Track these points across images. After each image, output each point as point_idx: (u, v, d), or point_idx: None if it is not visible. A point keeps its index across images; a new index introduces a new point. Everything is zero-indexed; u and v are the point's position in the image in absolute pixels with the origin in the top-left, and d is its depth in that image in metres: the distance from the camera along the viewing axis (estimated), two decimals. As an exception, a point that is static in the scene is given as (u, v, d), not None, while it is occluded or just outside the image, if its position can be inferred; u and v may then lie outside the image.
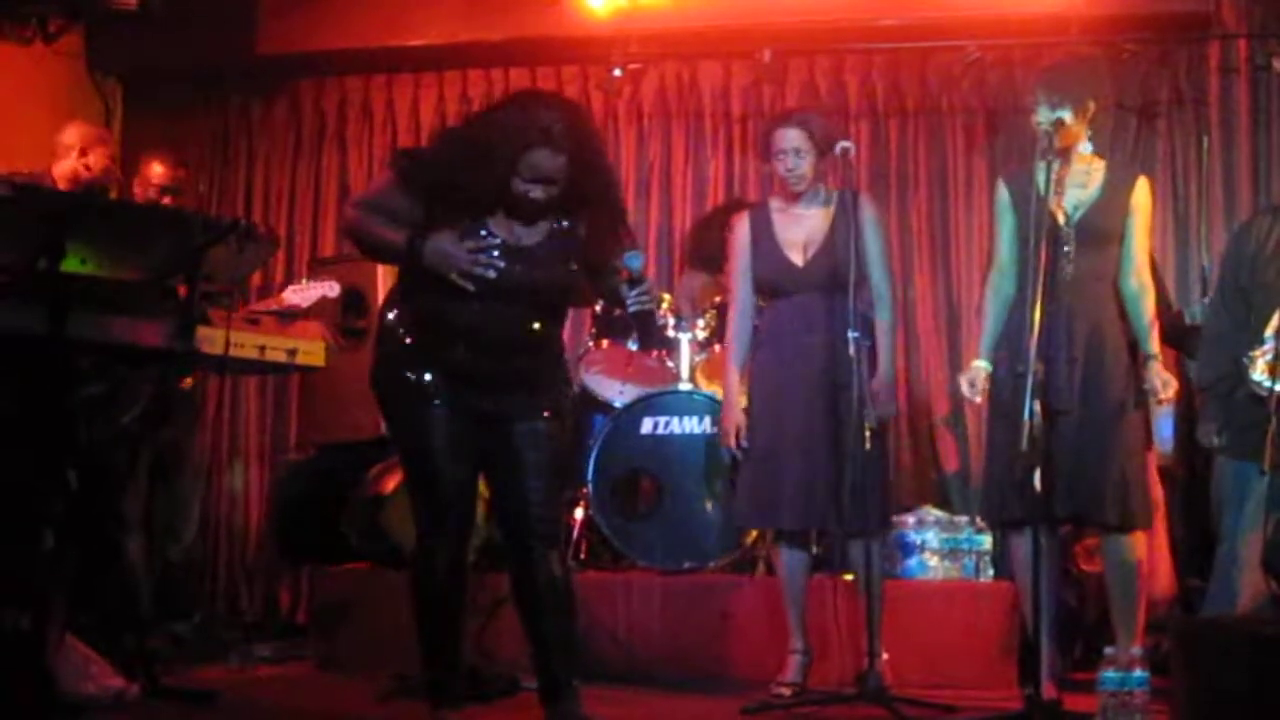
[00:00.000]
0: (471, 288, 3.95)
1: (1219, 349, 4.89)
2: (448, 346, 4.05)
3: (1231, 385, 4.83)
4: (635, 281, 4.09)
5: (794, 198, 5.13)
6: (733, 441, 5.12)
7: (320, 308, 6.50)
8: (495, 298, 4.01)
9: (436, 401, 4.05)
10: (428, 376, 4.05)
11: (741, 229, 5.23)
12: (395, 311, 4.16)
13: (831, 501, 4.84)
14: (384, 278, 6.88)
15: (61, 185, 5.64)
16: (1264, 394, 4.64)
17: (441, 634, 4.19)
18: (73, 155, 5.71)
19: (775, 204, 5.24)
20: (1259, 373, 4.67)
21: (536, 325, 4.12)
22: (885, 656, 4.85)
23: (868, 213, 5.13)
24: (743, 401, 5.18)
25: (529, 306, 4.10)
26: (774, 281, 5.13)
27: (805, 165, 5.05)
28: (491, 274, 3.97)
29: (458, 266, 3.94)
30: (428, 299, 4.06)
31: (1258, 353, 4.68)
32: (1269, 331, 4.70)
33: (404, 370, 4.09)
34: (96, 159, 5.75)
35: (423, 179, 4.06)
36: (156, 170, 6.25)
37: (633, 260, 4.09)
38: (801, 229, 5.11)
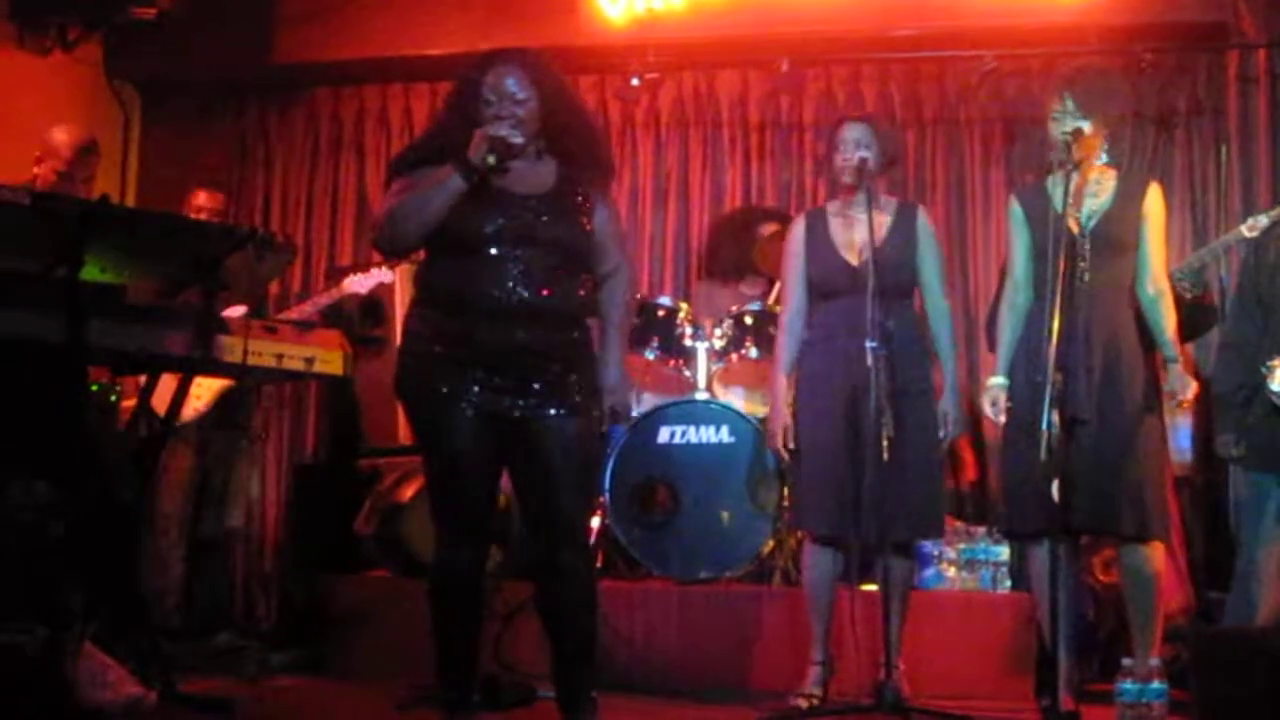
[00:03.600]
0: (520, 139, 3.95)
1: (1237, 358, 4.88)
2: (472, 324, 3.98)
3: (1249, 394, 4.82)
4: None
5: (849, 192, 5.09)
6: (779, 443, 5.09)
7: (340, 312, 6.57)
8: (513, 255, 3.99)
9: (461, 405, 4.00)
10: (452, 378, 4.00)
11: (797, 230, 5.22)
12: (416, 312, 4.14)
13: (891, 511, 4.77)
14: (401, 284, 6.91)
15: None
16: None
17: (458, 642, 4.18)
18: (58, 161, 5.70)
19: (832, 208, 5.23)
20: (1278, 382, 4.66)
21: (557, 291, 4.06)
22: (901, 667, 4.85)
23: (924, 225, 5.15)
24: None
25: (547, 267, 4.05)
26: (827, 282, 5.09)
27: (862, 156, 5.02)
28: (518, 135, 3.97)
29: (495, 130, 3.94)
30: (447, 277, 4.05)
31: (1276, 362, 4.67)
32: None
33: (427, 373, 4.04)
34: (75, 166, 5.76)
35: (413, 158, 4.14)
36: (202, 200, 6.51)
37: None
38: (858, 232, 5.03)
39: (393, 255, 4.16)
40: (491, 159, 3.93)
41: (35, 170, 5.66)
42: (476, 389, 4.01)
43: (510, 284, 3.98)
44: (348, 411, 7.17)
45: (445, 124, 4.17)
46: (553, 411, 4.06)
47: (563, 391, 4.08)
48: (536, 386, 4.05)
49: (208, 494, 6.37)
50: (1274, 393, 4.66)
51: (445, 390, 4.00)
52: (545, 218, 4.06)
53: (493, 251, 3.98)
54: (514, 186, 4.06)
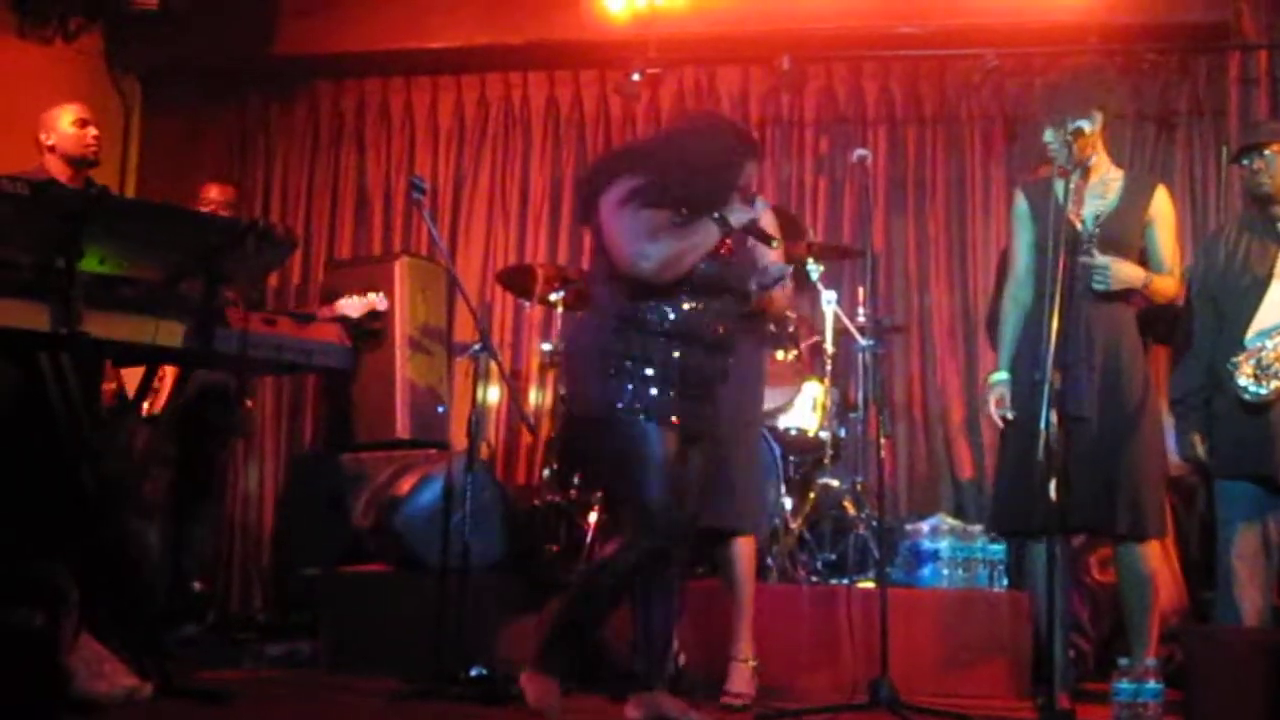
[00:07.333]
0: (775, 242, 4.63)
1: (1194, 360, 4.90)
2: (692, 353, 4.35)
3: (1207, 396, 4.84)
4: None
5: None
6: None
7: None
8: (708, 294, 4.39)
9: (652, 421, 4.31)
10: (663, 398, 4.32)
11: None
12: (633, 336, 4.36)
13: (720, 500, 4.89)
14: (401, 279, 6.90)
15: (60, 168, 5.61)
16: (1250, 399, 4.64)
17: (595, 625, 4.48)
18: (77, 126, 5.68)
19: None
20: (1245, 378, 4.67)
21: (729, 325, 4.45)
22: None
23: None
24: None
25: (730, 303, 4.46)
26: None
27: None
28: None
29: (755, 212, 4.50)
30: (649, 310, 4.36)
31: (1241, 358, 4.69)
32: (1249, 337, 4.71)
33: (629, 392, 4.31)
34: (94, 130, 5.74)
35: (658, 196, 4.38)
36: (214, 194, 6.45)
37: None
38: None
39: (658, 284, 4.35)
40: (737, 224, 4.42)
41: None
42: (663, 404, 4.32)
43: (721, 322, 4.41)
44: (346, 404, 7.17)
45: (694, 176, 4.42)
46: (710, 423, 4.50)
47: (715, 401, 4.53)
48: (710, 392, 4.48)
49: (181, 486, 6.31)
50: (1241, 387, 4.68)
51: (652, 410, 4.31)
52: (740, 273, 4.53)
53: (720, 297, 4.44)
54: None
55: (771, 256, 4.73)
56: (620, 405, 4.28)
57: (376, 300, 6.44)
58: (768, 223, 4.71)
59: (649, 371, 4.30)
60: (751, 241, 4.59)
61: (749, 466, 5.06)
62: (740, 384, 4.83)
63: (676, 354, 4.32)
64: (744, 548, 5.01)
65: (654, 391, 4.28)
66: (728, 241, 4.46)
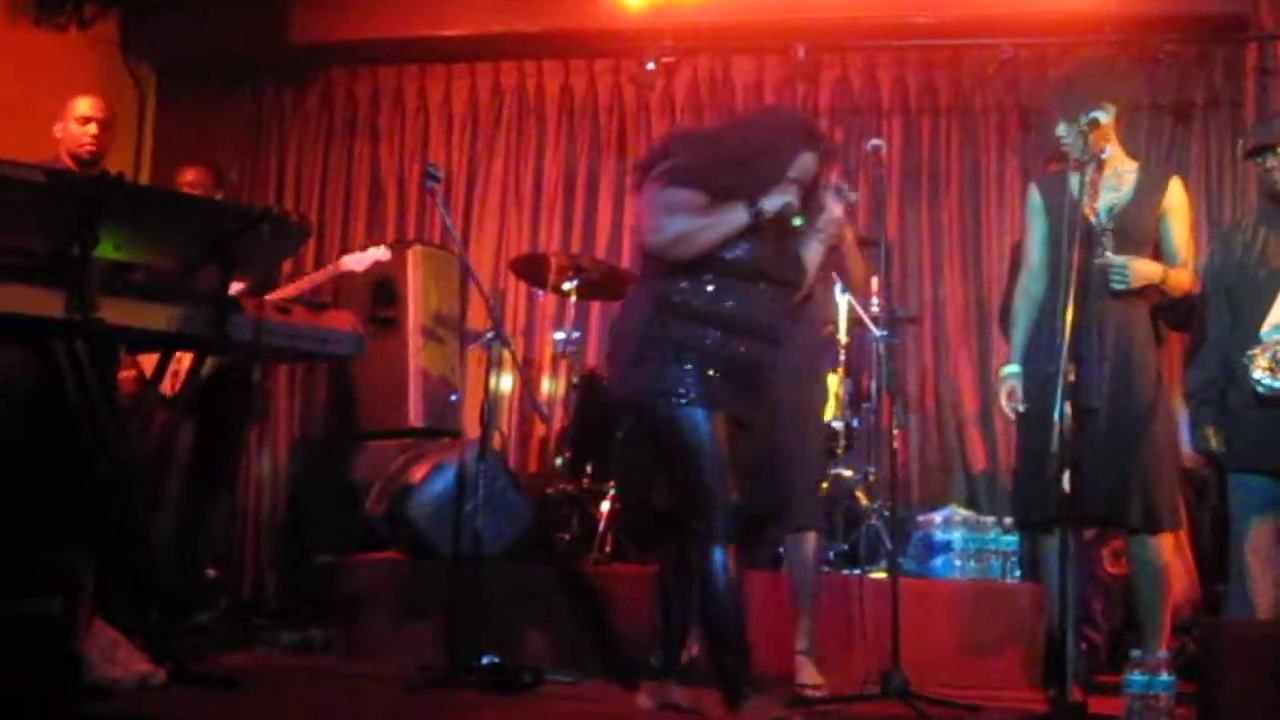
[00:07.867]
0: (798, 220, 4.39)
1: (1209, 352, 4.89)
2: (737, 342, 4.33)
3: (1222, 388, 4.83)
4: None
5: None
6: None
7: (353, 291, 6.56)
8: (746, 279, 4.34)
9: (696, 406, 4.28)
10: (691, 379, 4.28)
11: None
12: (671, 321, 4.33)
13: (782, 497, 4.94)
14: (414, 268, 6.91)
15: (67, 160, 5.62)
16: (1265, 392, 4.63)
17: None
18: (78, 124, 5.68)
19: None
20: (1260, 371, 4.66)
21: (772, 314, 4.42)
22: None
23: None
24: None
25: (789, 290, 4.48)
26: None
27: None
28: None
29: (795, 201, 4.36)
30: (720, 298, 4.33)
31: (1257, 351, 4.67)
32: (1264, 331, 4.69)
33: (667, 377, 4.30)
34: (101, 131, 5.73)
35: (691, 176, 4.36)
36: (190, 176, 6.39)
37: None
38: None
39: (672, 261, 4.38)
40: (770, 211, 4.32)
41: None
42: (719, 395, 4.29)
43: (769, 310, 4.38)
44: (359, 392, 7.17)
45: (727, 161, 4.38)
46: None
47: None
48: (768, 381, 4.44)
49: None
50: (1256, 381, 4.66)
51: (696, 395, 4.27)
52: (787, 260, 4.48)
53: (761, 285, 4.38)
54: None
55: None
56: (659, 391, 4.28)
57: (380, 253, 6.45)
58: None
59: (686, 356, 4.28)
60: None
61: (806, 462, 5.06)
62: (793, 380, 4.84)
63: (713, 339, 4.30)
64: (808, 542, 5.06)
65: (692, 376, 4.26)
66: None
